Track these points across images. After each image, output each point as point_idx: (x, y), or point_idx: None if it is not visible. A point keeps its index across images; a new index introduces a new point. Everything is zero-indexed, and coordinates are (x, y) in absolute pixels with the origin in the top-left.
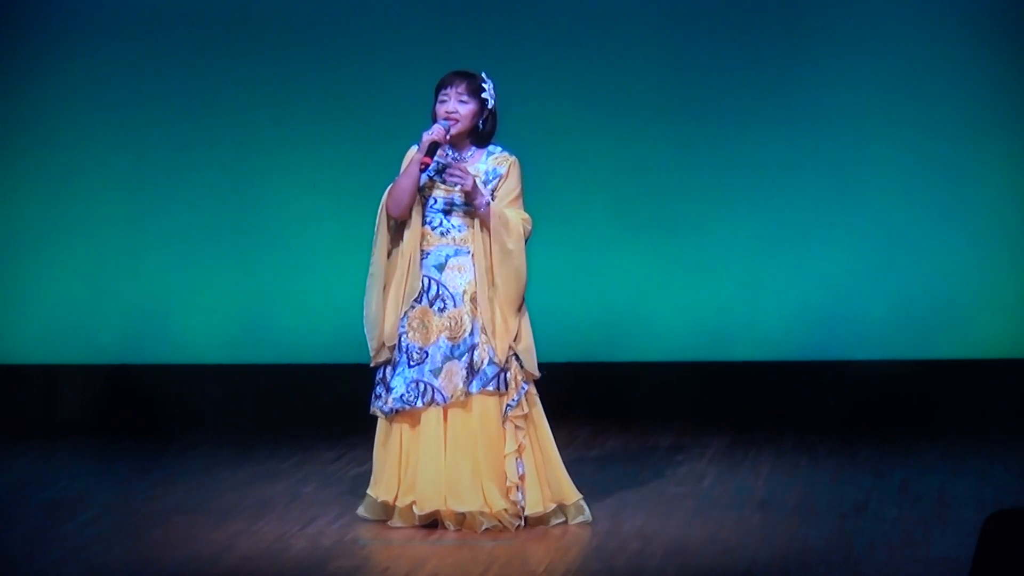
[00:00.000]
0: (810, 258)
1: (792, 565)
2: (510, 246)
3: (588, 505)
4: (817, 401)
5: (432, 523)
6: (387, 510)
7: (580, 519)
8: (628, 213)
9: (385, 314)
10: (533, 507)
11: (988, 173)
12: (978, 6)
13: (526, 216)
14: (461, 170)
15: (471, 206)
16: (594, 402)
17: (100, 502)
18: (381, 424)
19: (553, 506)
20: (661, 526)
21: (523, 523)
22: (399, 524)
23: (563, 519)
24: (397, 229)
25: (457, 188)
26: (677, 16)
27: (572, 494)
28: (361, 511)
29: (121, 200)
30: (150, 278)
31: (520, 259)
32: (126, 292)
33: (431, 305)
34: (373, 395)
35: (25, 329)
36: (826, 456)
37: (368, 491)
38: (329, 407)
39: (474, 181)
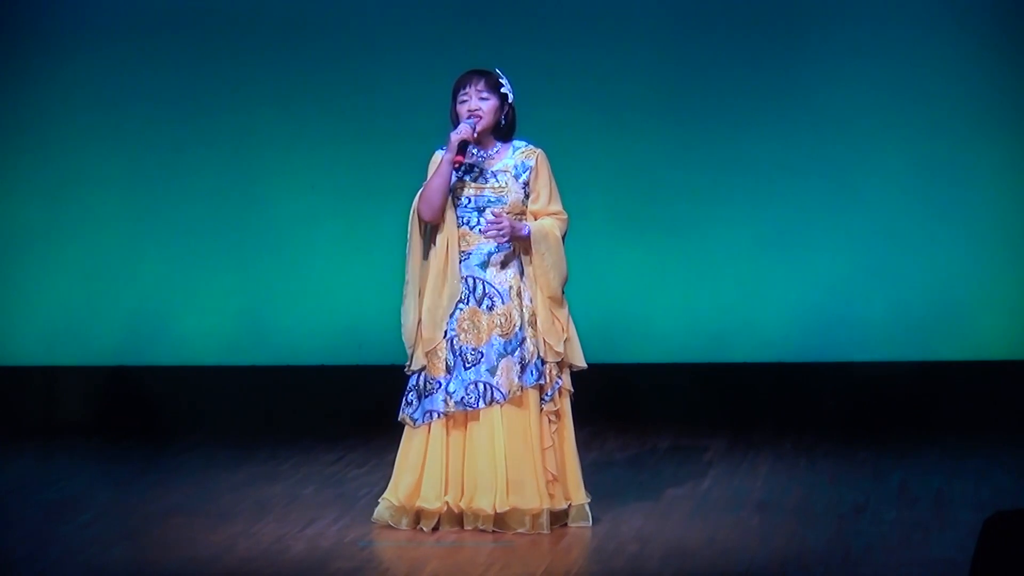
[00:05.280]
0: (809, 259)
1: (791, 566)
2: (551, 261)
3: (590, 508)
4: (816, 402)
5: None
6: (413, 515)
7: (581, 523)
8: (627, 214)
9: (422, 318)
10: (557, 503)
11: (987, 175)
12: (978, 8)
13: (564, 216)
14: (496, 225)
15: (518, 242)
16: (593, 403)
17: (99, 503)
18: (408, 432)
19: (568, 504)
20: (659, 528)
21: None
22: (447, 529)
23: (564, 521)
24: (430, 233)
25: (504, 192)
26: (678, 17)
27: (581, 496)
28: (377, 516)
29: (120, 201)
30: (149, 279)
31: (563, 266)
32: (125, 293)
33: (479, 304)
34: (403, 402)
35: (25, 330)
36: (824, 457)
37: (387, 497)
38: (328, 409)
39: (511, 224)
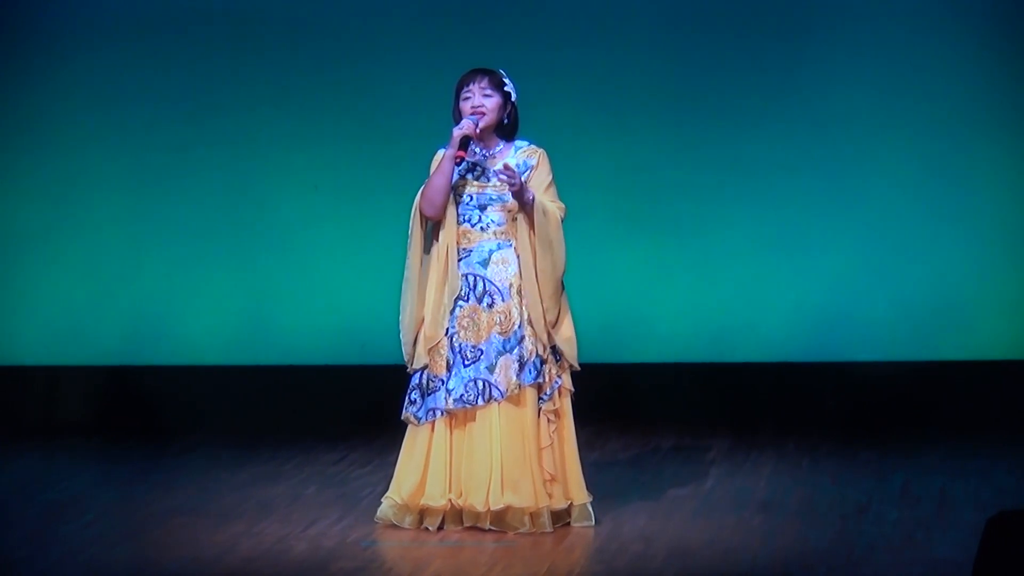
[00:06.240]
0: (811, 259)
1: (793, 567)
2: (551, 236)
3: (592, 508)
4: (818, 402)
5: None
6: (417, 513)
7: (583, 523)
8: (629, 214)
9: (424, 315)
10: (557, 503)
11: (989, 174)
12: (978, 7)
13: (561, 205)
14: (509, 171)
15: (520, 202)
16: (595, 403)
17: (101, 503)
18: (411, 430)
19: (568, 503)
20: (662, 527)
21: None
22: (451, 527)
23: (567, 520)
24: (432, 230)
25: (506, 189)
26: (679, 17)
27: (583, 495)
28: (381, 515)
29: (122, 201)
30: (151, 279)
31: (560, 248)
32: (127, 293)
33: (479, 302)
34: (407, 400)
35: (26, 330)
36: (827, 457)
37: (390, 495)
38: (330, 409)
39: (521, 181)
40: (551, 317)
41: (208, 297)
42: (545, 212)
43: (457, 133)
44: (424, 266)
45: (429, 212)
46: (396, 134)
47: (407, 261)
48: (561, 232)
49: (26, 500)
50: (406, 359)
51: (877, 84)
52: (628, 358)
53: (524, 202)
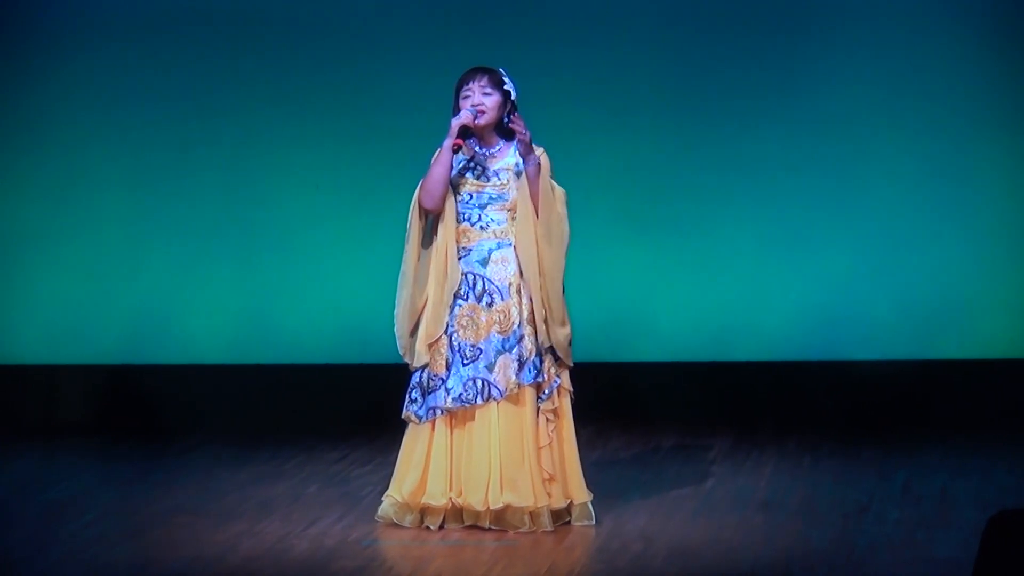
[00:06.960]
0: (812, 258)
1: (794, 566)
2: (558, 210)
3: (593, 507)
4: (819, 401)
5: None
6: (418, 512)
7: (584, 522)
8: (630, 213)
9: (420, 306)
10: (556, 502)
11: (989, 174)
12: (978, 7)
13: (563, 190)
14: (520, 123)
15: (525, 158)
16: (596, 402)
17: (102, 503)
18: (412, 429)
19: (568, 502)
20: (663, 527)
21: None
22: (452, 526)
23: (567, 519)
24: (431, 224)
25: (506, 188)
26: (680, 16)
27: (583, 494)
28: (382, 513)
29: (122, 200)
30: (152, 278)
31: (565, 224)
32: (128, 292)
33: (479, 301)
34: (407, 399)
35: (26, 329)
36: (828, 457)
37: (391, 493)
38: (332, 408)
39: (530, 137)
40: (553, 310)
41: (209, 296)
42: (553, 187)
43: (456, 123)
44: (423, 261)
45: (428, 204)
46: (396, 134)
47: (404, 254)
48: (566, 209)
49: (26, 500)
50: (401, 352)
51: (877, 84)
52: (629, 357)
53: (529, 161)
